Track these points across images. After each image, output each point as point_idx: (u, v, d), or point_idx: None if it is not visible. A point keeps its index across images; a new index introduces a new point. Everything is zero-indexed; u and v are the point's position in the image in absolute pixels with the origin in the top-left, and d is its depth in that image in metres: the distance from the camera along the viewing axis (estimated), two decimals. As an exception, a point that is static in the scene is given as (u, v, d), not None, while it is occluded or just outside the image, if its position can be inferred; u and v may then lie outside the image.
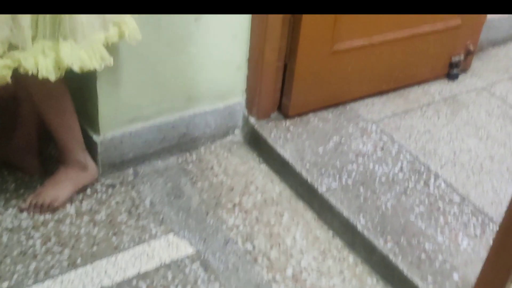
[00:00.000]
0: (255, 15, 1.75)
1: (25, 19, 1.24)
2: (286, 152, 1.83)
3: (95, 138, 1.67)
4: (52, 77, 1.31)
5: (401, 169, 1.83)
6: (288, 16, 1.78)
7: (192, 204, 1.69)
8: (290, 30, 1.81)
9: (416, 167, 1.84)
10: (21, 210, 1.59)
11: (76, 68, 1.33)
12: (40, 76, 1.29)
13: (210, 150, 1.93)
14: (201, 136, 1.90)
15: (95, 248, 1.51)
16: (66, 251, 1.49)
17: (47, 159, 1.77)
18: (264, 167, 1.88)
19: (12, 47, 1.27)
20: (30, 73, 1.28)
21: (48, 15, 1.27)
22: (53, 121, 1.54)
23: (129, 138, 1.73)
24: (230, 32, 1.76)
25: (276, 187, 1.80)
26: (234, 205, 1.71)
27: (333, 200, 1.67)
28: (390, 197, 1.70)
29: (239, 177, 1.82)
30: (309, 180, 1.74)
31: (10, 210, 1.59)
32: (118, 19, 1.42)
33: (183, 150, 1.89)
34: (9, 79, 1.28)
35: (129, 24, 1.44)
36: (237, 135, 1.99)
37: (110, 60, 1.40)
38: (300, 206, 1.75)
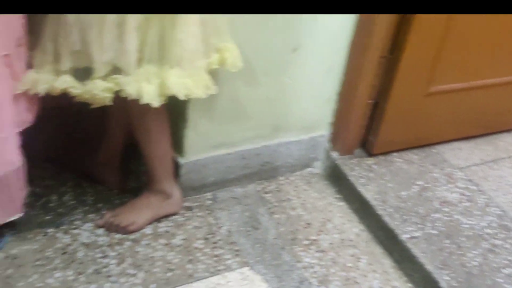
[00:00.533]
0: (353, 50, 1.70)
1: (132, 43, 1.22)
2: (368, 192, 1.77)
3: (179, 160, 1.65)
4: (156, 103, 1.29)
5: (489, 223, 1.73)
6: (385, 54, 1.72)
7: (268, 237, 1.65)
8: (386, 69, 1.75)
9: (505, 222, 1.75)
10: (98, 226, 1.58)
11: (181, 96, 1.30)
12: (142, 102, 1.27)
13: (290, 181, 1.89)
14: (282, 165, 1.86)
15: (169, 274, 1.48)
16: (141, 275, 1.47)
17: (128, 174, 1.77)
18: (343, 204, 1.82)
19: (115, 70, 1.26)
20: (131, 97, 1.27)
21: (157, 40, 1.25)
22: (148, 148, 1.52)
23: (212, 162, 1.70)
24: (326, 65, 1.71)
25: (354, 228, 1.74)
26: (310, 243, 1.66)
27: (416, 251, 1.60)
28: (476, 253, 1.61)
29: (316, 213, 1.77)
30: (390, 225, 1.67)
31: (87, 225, 1.58)
32: (221, 45, 1.39)
33: (263, 178, 1.85)
34: (108, 102, 1.27)
35: (232, 51, 1.41)
36: (318, 167, 1.94)
37: (213, 89, 1.38)
38: (378, 251, 1.68)
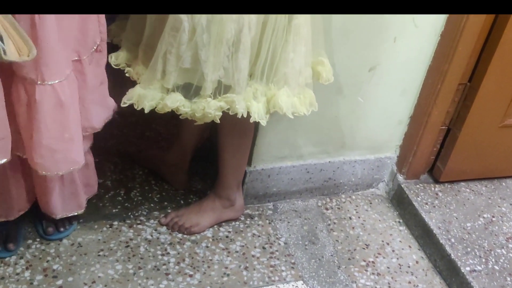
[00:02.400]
0: (430, 75, 1.67)
1: (245, 62, 1.23)
2: (431, 219, 1.73)
3: (246, 167, 1.67)
4: (264, 122, 1.31)
5: (556, 267, 1.66)
6: (464, 81, 1.69)
7: (325, 254, 1.65)
8: (463, 97, 1.72)
9: None
10: (161, 224, 1.62)
11: (290, 115, 1.31)
12: (251, 120, 1.29)
13: (351, 199, 1.88)
14: (345, 183, 1.85)
15: (225, 279, 1.51)
16: (197, 276, 1.50)
17: (194, 176, 1.81)
18: (403, 229, 1.80)
19: (222, 87, 1.26)
20: (239, 115, 1.27)
21: (267, 59, 1.26)
22: (227, 157, 1.55)
23: (277, 173, 1.71)
24: (400, 87, 1.70)
25: (414, 255, 1.71)
26: (367, 264, 1.64)
27: (476, 285, 1.55)
28: (539, 296, 1.56)
29: (376, 235, 1.75)
30: (452, 256, 1.63)
31: (151, 222, 1.63)
32: (316, 60, 1.39)
33: (324, 194, 1.85)
34: (218, 120, 1.28)
35: (326, 65, 1.41)
36: (381, 189, 1.92)
37: (316, 106, 1.38)
38: (436, 281, 1.64)
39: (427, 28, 1.60)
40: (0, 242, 1.43)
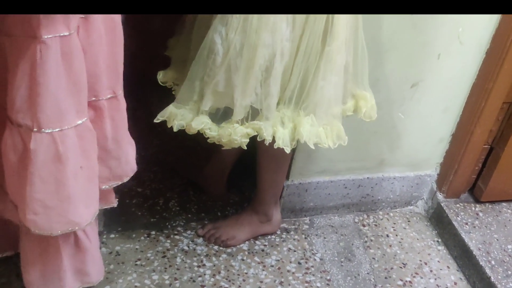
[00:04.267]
0: (474, 93, 1.64)
1: (276, 88, 1.22)
2: (471, 240, 1.70)
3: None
4: (288, 150, 1.29)
5: None
6: (509, 101, 1.65)
7: (361, 271, 1.63)
8: (507, 115, 1.68)
9: None
10: (198, 235, 1.63)
11: (311, 144, 1.29)
12: (275, 146, 1.27)
13: (389, 216, 1.85)
14: (383, 200, 1.83)
15: (260, 293, 1.51)
16: (233, 289, 1.50)
17: (232, 188, 1.81)
18: (442, 249, 1.76)
19: (250, 112, 1.25)
20: (266, 142, 1.26)
21: (298, 85, 1.25)
22: (266, 174, 1.55)
23: (314, 188, 1.71)
24: (443, 104, 1.67)
25: (452, 276, 1.67)
26: (404, 284, 1.62)
27: (516, 310, 1.52)
28: None
29: (413, 254, 1.72)
30: (492, 278, 1.59)
31: (188, 232, 1.64)
32: (357, 92, 1.37)
33: (362, 210, 1.83)
34: (245, 146, 1.27)
35: (368, 100, 1.38)
36: (420, 207, 1.89)
37: (345, 140, 1.35)
38: (475, 304, 1.61)
39: (472, 45, 1.58)
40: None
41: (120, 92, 1.12)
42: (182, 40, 1.38)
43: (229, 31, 1.16)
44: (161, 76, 1.36)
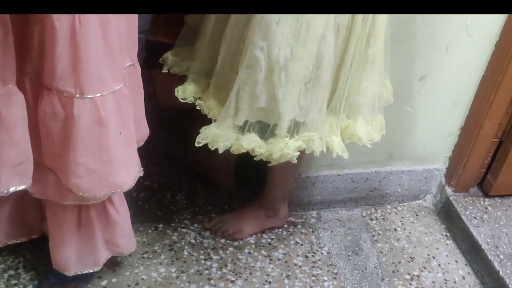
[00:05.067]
0: (483, 86, 1.63)
1: (323, 98, 1.20)
2: (480, 234, 1.69)
3: (302, 174, 1.67)
4: (346, 155, 1.28)
5: None
6: (519, 94, 1.64)
7: (369, 265, 1.62)
8: (517, 108, 1.67)
9: None
10: (205, 229, 1.63)
11: (368, 145, 1.30)
12: (334, 155, 1.27)
13: (397, 210, 1.84)
14: (391, 194, 1.83)
15: (266, 286, 1.50)
16: (239, 283, 1.50)
17: (240, 181, 1.81)
18: (450, 243, 1.75)
19: (296, 125, 1.23)
20: (317, 154, 1.25)
21: (344, 92, 1.23)
22: (276, 174, 1.54)
23: (322, 181, 1.70)
24: (452, 98, 1.66)
25: (461, 270, 1.66)
26: (411, 278, 1.61)
27: (525, 305, 1.51)
28: None
29: (421, 248, 1.71)
30: (501, 273, 1.58)
31: (195, 225, 1.64)
32: (381, 82, 1.36)
33: (369, 204, 1.83)
34: (295, 160, 1.25)
35: (388, 87, 1.38)
36: (428, 201, 1.88)
37: (384, 130, 1.36)
38: (483, 298, 1.60)
39: (481, 37, 1.56)
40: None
41: (136, 60, 1.14)
42: (200, 53, 1.33)
43: (273, 45, 1.12)
44: (180, 93, 1.33)
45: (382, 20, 1.19)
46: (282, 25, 1.10)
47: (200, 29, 1.33)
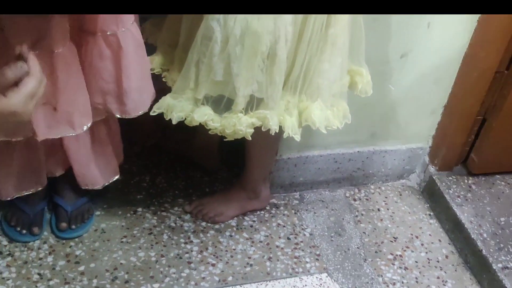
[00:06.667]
0: (465, 63, 1.60)
1: (280, 75, 1.17)
2: (463, 213, 1.67)
3: (271, 157, 1.65)
4: (298, 137, 1.25)
5: None
6: (502, 70, 1.61)
7: (351, 246, 1.61)
8: (500, 85, 1.64)
9: None
10: (186, 212, 1.61)
11: (323, 129, 1.26)
12: (285, 135, 1.23)
13: (380, 190, 1.83)
14: (375, 174, 1.81)
15: (248, 269, 1.49)
16: (220, 266, 1.48)
17: (221, 163, 1.78)
18: (434, 222, 1.74)
19: (254, 101, 1.20)
20: (272, 132, 1.21)
21: (303, 71, 1.20)
22: (254, 154, 1.51)
23: (304, 163, 1.68)
24: (434, 76, 1.63)
25: (444, 249, 1.66)
26: (394, 258, 1.60)
27: (508, 283, 1.49)
28: None
29: (405, 227, 1.70)
30: (484, 251, 1.57)
31: (175, 209, 1.62)
32: (353, 68, 1.33)
33: (353, 184, 1.81)
34: (250, 137, 1.22)
35: (364, 76, 1.34)
36: (412, 180, 1.87)
37: (349, 118, 1.32)
38: (466, 277, 1.59)
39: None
40: (25, 226, 1.44)
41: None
42: (169, 23, 1.31)
43: (228, 18, 1.10)
44: None
45: None
46: None
47: None
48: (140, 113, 1.30)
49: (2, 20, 1.06)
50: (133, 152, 1.76)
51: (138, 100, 1.27)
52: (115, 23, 1.14)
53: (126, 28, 1.16)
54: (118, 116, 1.28)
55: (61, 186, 1.48)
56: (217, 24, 1.11)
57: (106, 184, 1.47)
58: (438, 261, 1.62)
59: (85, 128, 1.24)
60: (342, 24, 1.19)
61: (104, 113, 1.29)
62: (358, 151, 1.73)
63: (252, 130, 1.22)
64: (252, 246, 1.55)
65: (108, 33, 1.15)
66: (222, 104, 1.21)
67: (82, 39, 1.17)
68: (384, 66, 1.57)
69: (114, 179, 1.49)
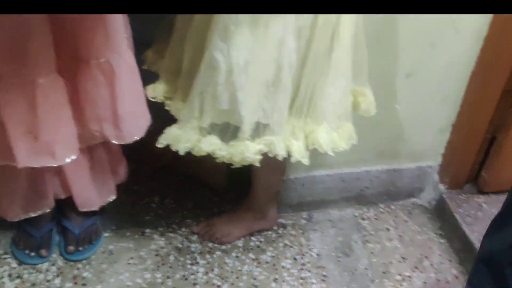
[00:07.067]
0: (473, 81, 1.59)
1: (285, 101, 1.18)
2: (473, 233, 1.65)
3: (279, 177, 1.65)
4: (306, 161, 1.25)
5: None
6: (509, 88, 1.59)
7: (359, 266, 1.60)
8: (507, 104, 1.62)
9: None
10: (193, 232, 1.62)
11: (330, 152, 1.26)
12: (293, 160, 1.23)
13: (390, 209, 1.81)
14: (383, 192, 1.80)
15: (253, 290, 1.50)
16: (225, 287, 1.49)
17: (229, 183, 1.78)
18: (444, 242, 1.72)
19: (260, 127, 1.20)
20: (280, 158, 1.22)
21: (307, 95, 1.20)
22: (260, 175, 1.51)
23: (311, 182, 1.68)
24: (441, 94, 1.62)
25: (454, 270, 1.63)
26: (403, 279, 1.58)
27: (518, 305, 1.47)
28: None
29: (414, 248, 1.68)
30: (493, 272, 1.55)
31: (183, 230, 1.63)
32: (356, 88, 1.33)
33: (361, 203, 1.80)
34: (258, 164, 1.22)
35: (367, 96, 1.34)
36: (422, 199, 1.85)
37: (355, 138, 1.32)
38: (476, 298, 1.57)
39: (468, 32, 1.52)
40: (34, 248, 1.47)
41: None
42: (171, 50, 1.31)
43: (231, 48, 1.11)
44: (150, 91, 1.31)
45: (346, 24, 1.16)
46: (241, 27, 1.08)
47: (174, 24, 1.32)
48: (136, 138, 1.31)
49: None
50: (143, 174, 1.79)
51: (134, 126, 1.29)
52: (109, 50, 1.17)
53: (119, 54, 1.19)
54: (115, 142, 1.29)
55: (68, 208, 1.50)
56: (221, 55, 1.11)
57: (103, 205, 1.51)
58: (447, 282, 1.60)
59: (67, 160, 1.24)
60: (345, 47, 1.20)
61: (101, 139, 1.31)
62: (365, 170, 1.72)
63: (260, 157, 1.22)
64: (258, 267, 1.56)
65: (101, 60, 1.17)
66: (228, 131, 1.22)
67: (75, 67, 1.19)
68: (389, 85, 1.56)
69: (111, 199, 1.52)
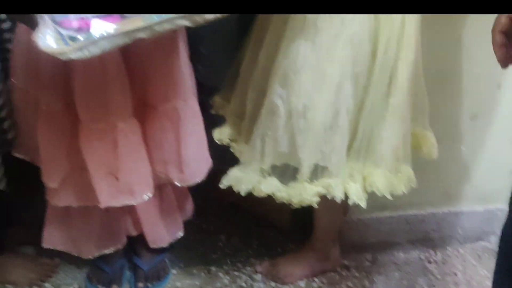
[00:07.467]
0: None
1: (343, 144, 1.21)
2: (548, 279, 1.58)
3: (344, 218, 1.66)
4: (364, 204, 1.26)
5: None
6: None
7: (424, 311, 1.57)
8: None
9: None
10: (257, 272, 1.65)
11: (388, 196, 1.27)
12: (350, 202, 1.25)
13: (458, 253, 1.77)
14: (451, 236, 1.76)
15: (314, 331, 1.50)
16: (287, 327, 1.50)
17: (299, 215, 1.80)
18: (516, 288, 1.66)
19: (319, 169, 1.23)
20: (338, 200, 1.24)
21: (364, 137, 1.23)
22: (321, 215, 1.53)
23: (375, 223, 1.68)
24: (509, 136, 1.60)
25: (526, 317, 1.57)
26: (471, 325, 1.54)
27: None
28: None
29: (483, 293, 1.64)
30: None
31: (247, 268, 1.66)
32: (417, 130, 1.35)
33: (428, 246, 1.77)
34: (316, 205, 1.25)
35: (428, 138, 1.35)
36: (493, 242, 1.79)
37: (414, 181, 1.32)
38: None
39: (536, 73, 1.50)
40: (106, 283, 1.53)
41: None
42: (236, 95, 1.38)
43: (291, 94, 1.17)
44: (216, 134, 1.38)
45: (404, 69, 1.18)
46: (300, 75, 1.14)
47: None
48: (197, 181, 1.38)
49: (70, 96, 1.19)
50: (211, 212, 1.84)
51: (196, 169, 1.36)
52: (176, 96, 1.26)
53: (185, 100, 1.28)
54: (178, 184, 1.36)
55: (139, 245, 1.57)
56: (281, 101, 1.18)
57: (172, 241, 1.56)
58: (519, 330, 1.53)
59: (145, 197, 1.31)
60: (402, 92, 1.22)
61: (165, 180, 1.38)
62: (431, 212, 1.70)
63: (318, 199, 1.25)
64: (320, 309, 1.56)
65: (168, 106, 1.26)
66: (288, 173, 1.25)
67: (143, 111, 1.27)
68: (454, 127, 1.56)
69: (179, 236, 1.57)
